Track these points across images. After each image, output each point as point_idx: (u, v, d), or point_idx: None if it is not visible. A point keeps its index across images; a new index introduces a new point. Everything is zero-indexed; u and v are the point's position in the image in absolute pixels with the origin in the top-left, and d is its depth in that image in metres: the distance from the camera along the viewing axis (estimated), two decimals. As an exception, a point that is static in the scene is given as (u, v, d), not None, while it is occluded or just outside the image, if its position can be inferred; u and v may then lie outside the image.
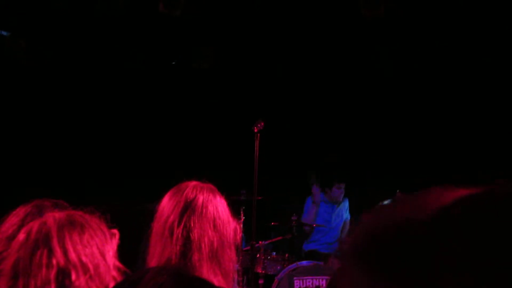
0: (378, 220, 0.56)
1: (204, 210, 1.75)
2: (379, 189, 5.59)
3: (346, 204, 5.81)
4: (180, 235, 1.69)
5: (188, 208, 1.74)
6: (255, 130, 4.18)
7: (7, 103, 5.94)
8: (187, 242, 1.69)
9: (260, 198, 4.31)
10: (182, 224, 1.71)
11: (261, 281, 4.68)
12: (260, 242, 4.84)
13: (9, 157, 5.88)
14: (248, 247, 4.42)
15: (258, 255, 4.73)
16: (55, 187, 5.33)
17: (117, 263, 1.31)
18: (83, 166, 6.18)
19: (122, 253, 1.48)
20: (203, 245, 1.69)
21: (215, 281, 1.68)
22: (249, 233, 4.36)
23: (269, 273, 4.77)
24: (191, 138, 6.74)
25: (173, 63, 6.29)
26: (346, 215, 5.76)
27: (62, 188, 5.41)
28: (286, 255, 4.98)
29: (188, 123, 6.78)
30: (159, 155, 6.66)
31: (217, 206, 1.79)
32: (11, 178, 5.71)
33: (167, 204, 1.79)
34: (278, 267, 4.80)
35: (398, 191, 4.79)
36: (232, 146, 6.37)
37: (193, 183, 1.85)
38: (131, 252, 1.77)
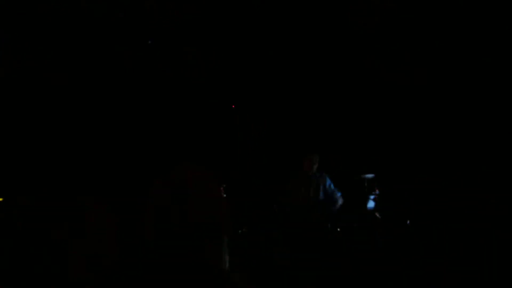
0: None
1: (203, 185, 1.80)
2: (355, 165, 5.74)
3: (323, 178, 5.88)
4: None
5: (185, 184, 1.79)
6: (233, 106, 4.27)
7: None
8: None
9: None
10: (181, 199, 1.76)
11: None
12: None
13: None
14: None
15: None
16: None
17: None
18: (65, 158, 6.09)
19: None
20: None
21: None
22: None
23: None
24: (171, 120, 6.75)
25: (149, 42, 6.22)
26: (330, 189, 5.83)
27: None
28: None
29: (168, 103, 6.79)
30: (140, 138, 6.66)
31: (214, 185, 1.86)
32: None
33: (162, 184, 1.82)
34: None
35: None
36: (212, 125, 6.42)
37: (187, 164, 1.90)
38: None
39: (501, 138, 5.81)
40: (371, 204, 5.60)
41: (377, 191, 5.51)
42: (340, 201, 5.72)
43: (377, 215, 5.44)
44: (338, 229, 5.20)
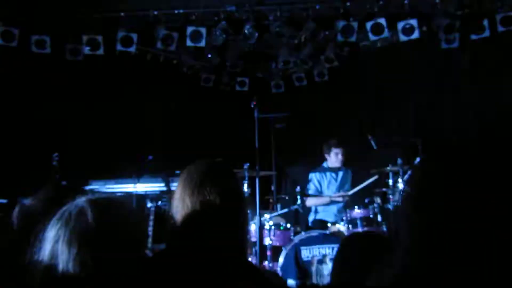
0: None
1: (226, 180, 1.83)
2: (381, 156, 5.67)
3: (349, 175, 5.87)
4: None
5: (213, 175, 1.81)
6: (254, 103, 4.31)
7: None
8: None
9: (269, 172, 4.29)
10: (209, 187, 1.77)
11: (269, 253, 4.78)
12: (266, 215, 4.95)
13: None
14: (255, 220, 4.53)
15: (265, 228, 4.82)
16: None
17: None
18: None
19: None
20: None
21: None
22: (255, 206, 4.46)
23: (276, 244, 4.87)
24: (193, 117, 6.80)
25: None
26: (348, 187, 5.81)
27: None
28: (293, 226, 5.08)
29: (189, 101, 6.84)
30: (161, 135, 6.72)
31: (237, 179, 1.88)
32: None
33: (189, 174, 1.82)
34: (285, 239, 4.89)
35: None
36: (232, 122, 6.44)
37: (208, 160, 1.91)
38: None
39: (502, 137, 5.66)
40: (396, 196, 5.52)
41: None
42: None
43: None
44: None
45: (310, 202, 5.65)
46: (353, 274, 1.86)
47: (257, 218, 4.51)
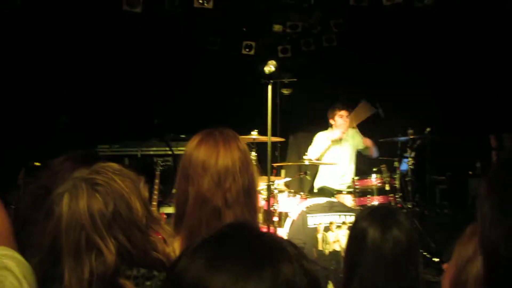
0: None
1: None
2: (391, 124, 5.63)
3: (354, 138, 5.79)
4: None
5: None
6: (266, 72, 4.20)
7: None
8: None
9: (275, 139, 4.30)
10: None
11: (275, 218, 4.80)
12: (274, 181, 4.94)
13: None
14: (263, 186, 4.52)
15: (272, 194, 4.82)
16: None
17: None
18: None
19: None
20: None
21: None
22: (263, 172, 4.44)
23: (283, 210, 4.88)
24: (203, 82, 6.74)
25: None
26: (356, 148, 5.79)
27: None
28: (300, 192, 5.09)
29: (199, 66, 6.76)
30: (169, 99, 6.66)
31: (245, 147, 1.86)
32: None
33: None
34: (292, 205, 4.91)
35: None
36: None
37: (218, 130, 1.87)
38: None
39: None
40: (404, 166, 5.53)
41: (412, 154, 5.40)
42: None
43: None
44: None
45: (313, 152, 5.57)
46: (367, 248, 1.85)
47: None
